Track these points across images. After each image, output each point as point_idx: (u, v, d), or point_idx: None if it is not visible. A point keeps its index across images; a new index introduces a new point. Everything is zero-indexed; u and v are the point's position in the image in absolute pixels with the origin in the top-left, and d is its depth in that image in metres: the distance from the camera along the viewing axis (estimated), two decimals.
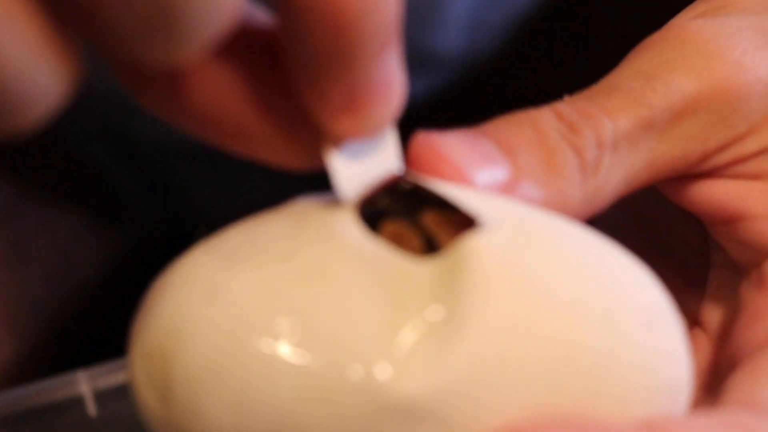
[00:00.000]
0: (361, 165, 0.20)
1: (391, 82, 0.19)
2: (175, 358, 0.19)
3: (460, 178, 0.21)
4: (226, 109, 0.20)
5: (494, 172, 0.21)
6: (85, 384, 0.36)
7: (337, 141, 0.19)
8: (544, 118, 0.23)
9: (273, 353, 0.18)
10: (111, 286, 0.44)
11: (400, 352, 0.18)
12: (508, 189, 0.21)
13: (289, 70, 0.19)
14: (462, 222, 0.20)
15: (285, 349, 0.18)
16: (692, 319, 0.27)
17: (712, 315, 0.26)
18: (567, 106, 0.23)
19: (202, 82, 0.19)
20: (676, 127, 0.23)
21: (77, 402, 0.37)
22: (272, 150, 0.20)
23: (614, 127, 0.22)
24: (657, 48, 0.24)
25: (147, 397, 0.20)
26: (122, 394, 0.36)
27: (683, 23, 0.24)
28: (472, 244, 0.19)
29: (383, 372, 0.18)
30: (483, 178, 0.21)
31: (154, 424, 0.20)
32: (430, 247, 0.20)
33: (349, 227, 0.19)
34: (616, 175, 0.23)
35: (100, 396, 0.37)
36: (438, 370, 0.18)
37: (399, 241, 0.19)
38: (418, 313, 0.18)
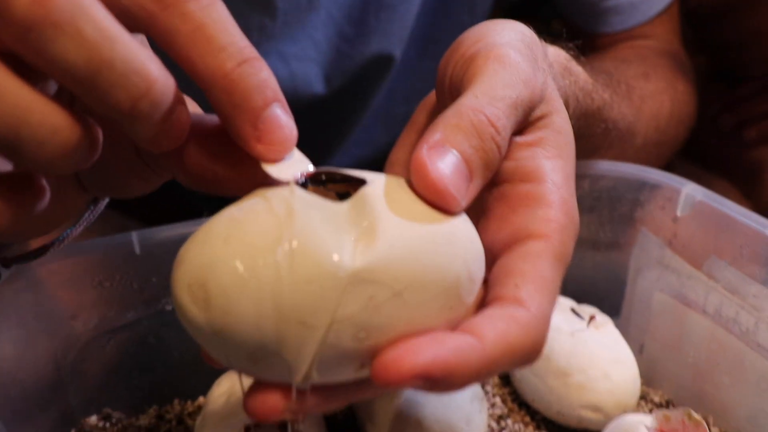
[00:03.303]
0: (289, 169, 0.29)
1: (280, 123, 0.28)
2: (210, 281, 0.26)
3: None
4: (207, 168, 0.31)
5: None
6: None
7: (263, 160, 0.29)
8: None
9: (275, 262, 0.25)
10: None
11: (349, 248, 0.27)
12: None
13: (230, 132, 0.29)
14: (354, 184, 0.30)
15: (283, 258, 0.26)
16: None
17: None
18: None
19: (192, 156, 0.31)
20: None
21: None
22: (235, 187, 0.31)
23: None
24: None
25: (192, 312, 0.26)
26: None
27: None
28: (364, 190, 0.29)
29: (343, 259, 0.26)
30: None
31: (198, 332, 0.27)
32: (340, 197, 0.30)
33: (296, 192, 0.28)
34: None
35: None
36: (371, 254, 0.27)
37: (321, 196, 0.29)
38: (350, 227, 0.27)
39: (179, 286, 0.27)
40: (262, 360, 0.27)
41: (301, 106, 0.66)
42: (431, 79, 0.73)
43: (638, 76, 0.67)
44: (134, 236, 0.53)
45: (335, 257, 0.26)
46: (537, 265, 0.30)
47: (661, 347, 0.58)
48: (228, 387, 0.50)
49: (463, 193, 0.29)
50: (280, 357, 0.26)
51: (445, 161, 0.29)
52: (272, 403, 0.27)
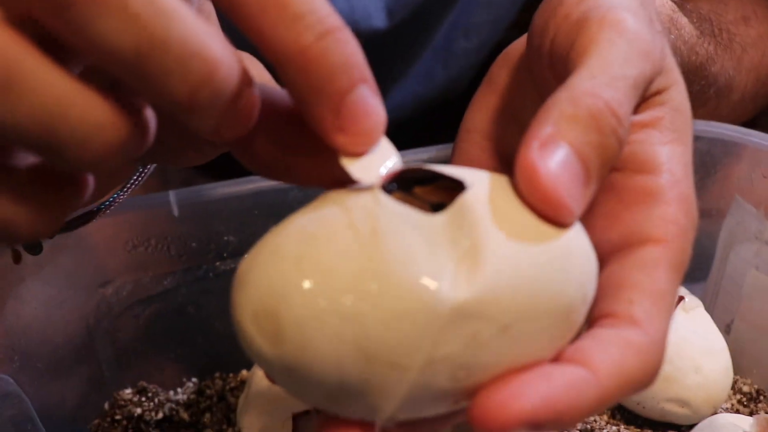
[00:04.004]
0: (372, 165, 0.25)
1: (367, 110, 0.24)
2: (281, 311, 0.22)
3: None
4: (277, 157, 0.27)
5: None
6: None
7: (344, 153, 0.24)
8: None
9: (359, 292, 0.22)
10: None
11: (449, 274, 0.23)
12: None
13: (305, 117, 0.24)
14: (449, 188, 0.25)
15: (368, 287, 0.22)
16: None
17: None
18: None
19: (260, 144, 0.26)
20: None
21: None
22: (308, 178, 0.27)
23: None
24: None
25: (260, 344, 0.23)
26: None
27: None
28: (465, 198, 0.24)
29: (442, 288, 0.22)
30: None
31: (267, 365, 0.23)
32: (432, 207, 0.25)
33: (382, 201, 0.24)
34: None
35: None
36: (476, 282, 0.23)
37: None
38: (449, 247, 0.23)
39: (243, 313, 0.23)
40: (342, 400, 0.24)
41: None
42: (494, 13, 0.68)
43: (738, 20, 0.59)
44: (172, 196, 0.49)
45: (433, 286, 0.22)
46: (654, 277, 0.26)
47: (751, 330, 0.53)
48: None
49: (579, 202, 0.25)
50: (363, 398, 0.23)
51: (559, 162, 0.25)
52: None
